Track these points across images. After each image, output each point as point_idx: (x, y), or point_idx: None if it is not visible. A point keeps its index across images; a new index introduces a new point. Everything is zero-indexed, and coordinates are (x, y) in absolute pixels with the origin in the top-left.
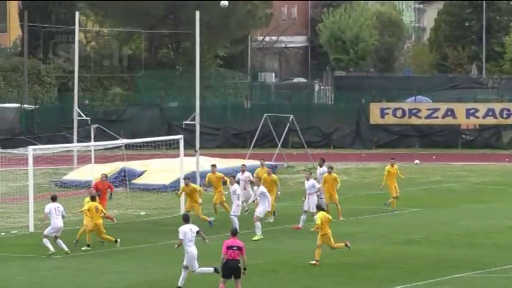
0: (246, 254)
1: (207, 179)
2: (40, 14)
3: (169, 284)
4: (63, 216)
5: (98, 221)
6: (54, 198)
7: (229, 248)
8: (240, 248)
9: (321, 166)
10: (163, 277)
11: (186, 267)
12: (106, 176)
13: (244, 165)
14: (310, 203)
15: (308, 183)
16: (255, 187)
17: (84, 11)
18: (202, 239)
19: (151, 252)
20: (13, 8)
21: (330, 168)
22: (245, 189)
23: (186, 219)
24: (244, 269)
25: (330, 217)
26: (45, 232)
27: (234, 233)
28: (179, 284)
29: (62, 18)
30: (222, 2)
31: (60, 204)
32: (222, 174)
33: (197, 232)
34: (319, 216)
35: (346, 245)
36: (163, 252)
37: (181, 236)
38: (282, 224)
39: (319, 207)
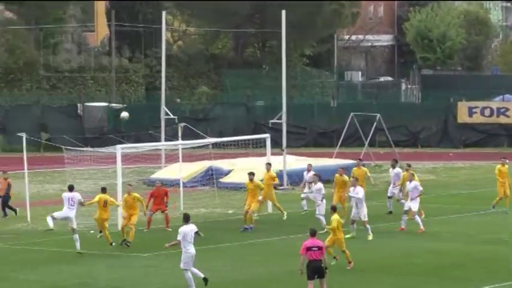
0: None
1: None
2: (127, 14)
3: (257, 283)
4: (81, 204)
5: (103, 215)
6: (71, 188)
7: (309, 249)
8: (320, 248)
9: (393, 167)
10: (252, 276)
11: (187, 269)
12: (161, 184)
13: (310, 164)
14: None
15: (410, 185)
16: (351, 187)
17: (171, 10)
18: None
19: (239, 250)
20: (100, 8)
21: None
22: (310, 188)
23: (186, 219)
24: (326, 268)
25: (341, 221)
26: (54, 214)
27: (313, 234)
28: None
29: (149, 17)
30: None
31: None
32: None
33: (196, 233)
34: (335, 218)
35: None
36: (252, 251)
37: (179, 237)
38: (369, 224)
39: (334, 209)
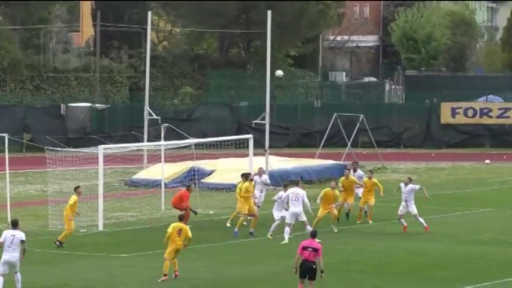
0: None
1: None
2: (113, 14)
3: (238, 283)
4: (23, 250)
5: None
6: (14, 224)
7: (305, 248)
8: (316, 250)
9: (355, 170)
10: (232, 276)
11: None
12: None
13: (261, 168)
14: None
15: (406, 188)
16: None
17: (157, 10)
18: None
19: (220, 251)
20: (86, 8)
21: (370, 172)
22: (261, 192)
23: (14, 224)
24: (322, 271)
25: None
26: None
27: (313, 235)
28: None
29: (135, 18)
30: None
31: (22, 232)
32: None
33: (21, 241)
34: None
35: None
36: (232, 251)
37: (1, 239)
38: (350, 224)
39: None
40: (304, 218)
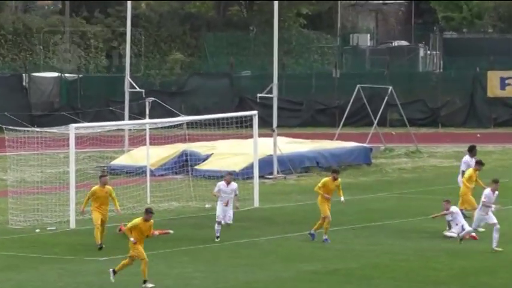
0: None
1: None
2: None
3: None
4: None
5: None
6: None
7: None
8: None
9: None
10: (235, 283)
11: None
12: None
13: (230, 174)
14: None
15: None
16: None
17: None
18: None
19: (219, 253)
20: None
21: (334, 172)
22: (227, 205)
23: None
24: None
25: None
26: None
27: None
28: None
29: None
30: None
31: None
32: None
33: None
34: None
35: None
36: (235, 253)
37: None
38: (376, 220)
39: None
40: None
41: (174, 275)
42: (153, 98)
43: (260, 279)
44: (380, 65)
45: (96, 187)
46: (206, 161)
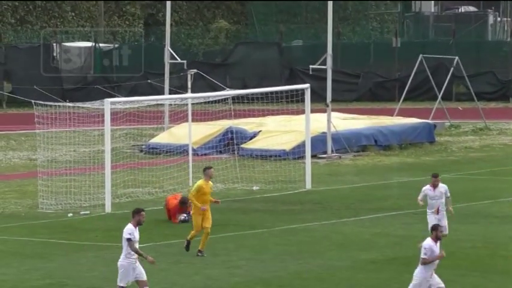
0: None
1: None
2: None
3: (291, 282)
4: None
5: None
6: None
7: None
8: None
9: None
10: (283, 273)
11: None
12: None
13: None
14: None
15: None
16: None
17: None
18: None
19: (267, 240)
20: None
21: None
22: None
23: None
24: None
25: None
26: None
27: None
28: None
29: None
30: None
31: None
32: None
33: None
34: None
35: None
36: (284, 240)
37: None
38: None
39: None
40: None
41: (218, 263)
42: (195, 70)
43: (312, 268)
44: (445, 34)
45: (201, 181)
46: (253, 139)
